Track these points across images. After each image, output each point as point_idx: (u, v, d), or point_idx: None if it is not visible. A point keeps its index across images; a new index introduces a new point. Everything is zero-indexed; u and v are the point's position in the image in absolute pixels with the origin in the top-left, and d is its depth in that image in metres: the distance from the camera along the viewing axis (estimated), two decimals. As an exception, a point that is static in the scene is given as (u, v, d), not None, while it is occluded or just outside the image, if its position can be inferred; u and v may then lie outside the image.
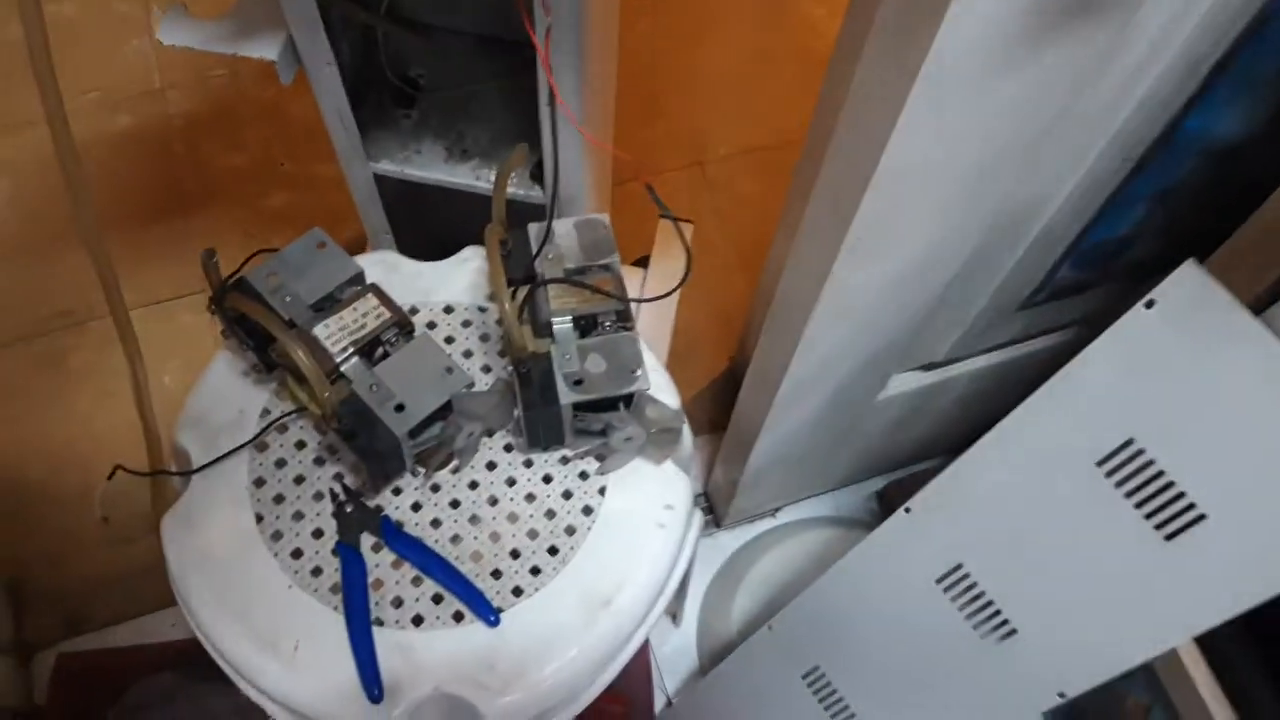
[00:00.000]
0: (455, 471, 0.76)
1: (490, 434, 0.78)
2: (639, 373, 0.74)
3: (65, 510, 1.29)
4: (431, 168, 0.91)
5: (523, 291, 0.77)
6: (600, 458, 0.77)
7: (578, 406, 0.73)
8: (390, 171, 0.91)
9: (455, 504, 0.75)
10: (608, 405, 0.73)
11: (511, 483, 0.77)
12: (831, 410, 1.04)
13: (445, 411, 0.72)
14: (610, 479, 0.78)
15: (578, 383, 0.73)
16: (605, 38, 0.84)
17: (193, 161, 1.63)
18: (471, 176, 0.91)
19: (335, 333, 0.72)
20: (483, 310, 0.85)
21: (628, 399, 0.73)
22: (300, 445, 0.77)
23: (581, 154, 0.83)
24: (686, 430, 0.80)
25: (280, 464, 0.76)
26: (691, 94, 1.73)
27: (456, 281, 0.86)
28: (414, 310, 0.84)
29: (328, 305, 0.74)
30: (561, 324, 0.76)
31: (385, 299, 0.74)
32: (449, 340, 0.83)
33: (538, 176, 0.91)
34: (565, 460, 0.78)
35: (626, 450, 0.76)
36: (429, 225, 0.98)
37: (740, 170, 1.67)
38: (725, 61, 1.77)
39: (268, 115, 1.67)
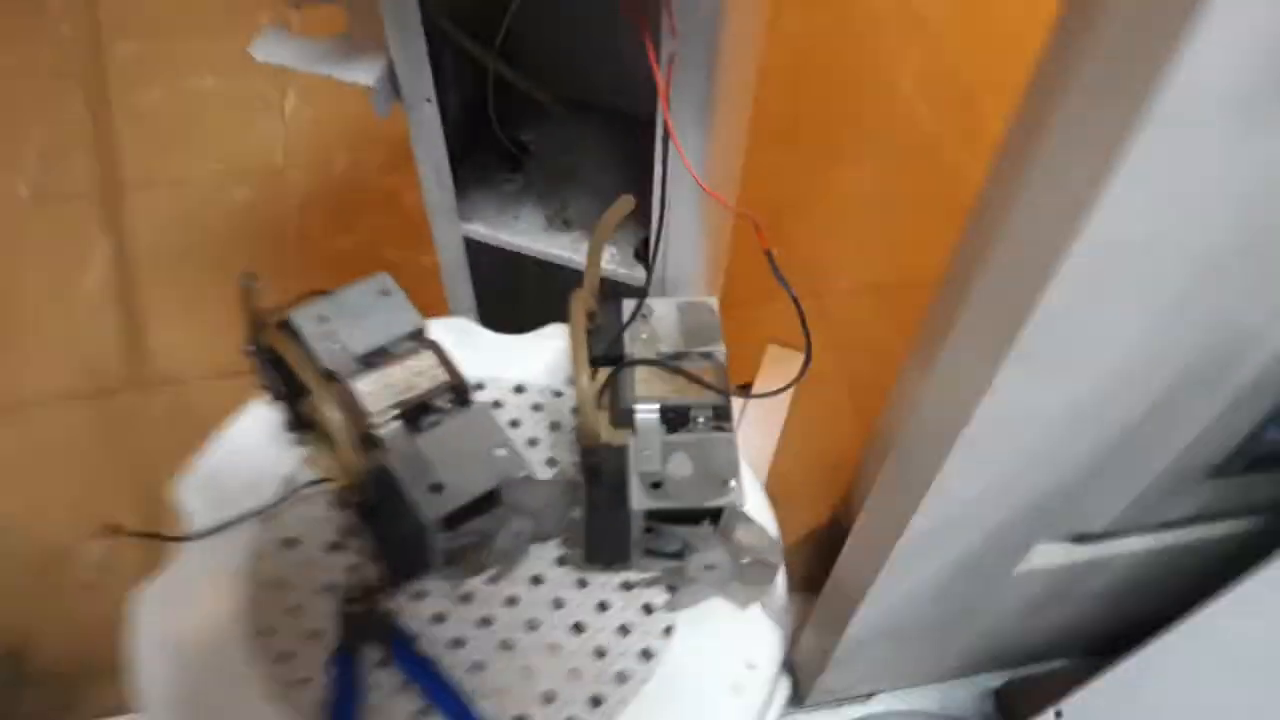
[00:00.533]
0: (494, 581, 0.62)
1: (542, 539, 0.64)
2: (733, 484, 0.59)
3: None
4: (530, 235, 0.81)
5: (605, 372, 0.64)
6: (672, 588, 0.62)
7: (652, 515, 0.58)
8: (484, 236, 0.81)
9: (486, 622, 0.61)
10: (689, 519, 0.58)
11: (558, 605, 0.62)
12: (955, 579, 0.86)
13: (491, 503, 0.59)
14: (681, 618, 0.62)
15: (656, 486, 0.59)
16: (741, 78, 0.74)
17: (299, 239, 1.60)
18: (571, 249, 0.81)
19: (379, 389, 0.60)
20: (559, 395, 0.72)
21: (715, 514, 0.58)
22: (318, 525, 0.64)
23: (695, 217, 0.71)
24: (782, 572, 0.65)
25: (290, 544, 0.63)
26: (813, 222, 1.64)
27: (535, 359, 0.74)
28: (480, 386, 0.72)
29: (379, 360, 0.63)
30: (646, 414, 0.63)
31: (445, 359, 0.62)
32: (514, 424, 0.70)
33: (642, 256, 0.79)
34: (629, 586, 0.63)
35: (706, 581, 0.61)
36: (519, 301, 0.87)
37: (860, 307, 1.54)
38: (855, 195, 1.67)
39: (384, 203, 1.64)
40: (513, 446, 0.60)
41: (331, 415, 0.56)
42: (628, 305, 0.69)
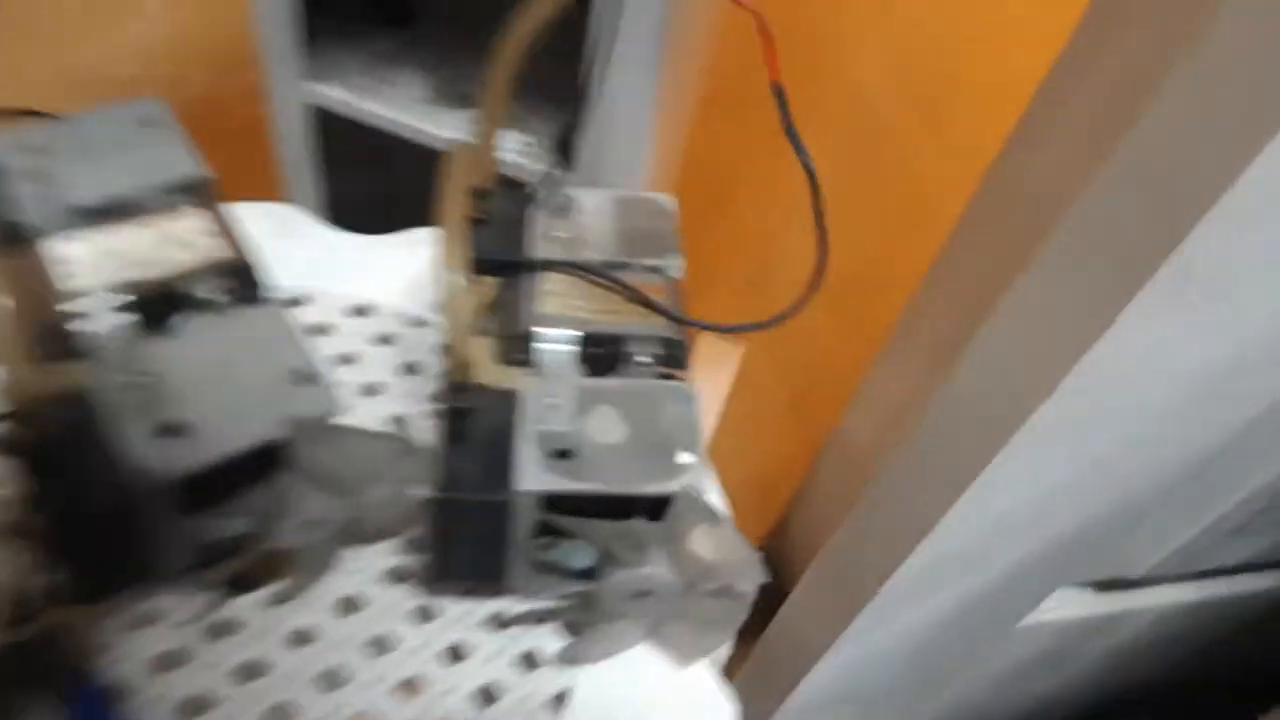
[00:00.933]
0: (276, 603, 0.37)
1: (363, 540, 0.39)
2: (689, 459, 0.36)
3: None
4: (408, 109, 0.57)
5: (497, 284, 0.41)
6: (573, 628, 0.38)
7: (552, 506, 0.34)
8: (340, 104, 0.57)
9: (251, 673, 0.36)
10: (614, 512, 0.34)
11: (381, 648, 0.38)
12: (945, 633, 0.65)
13: (273, 467, 0.34)
14: (584, 678, 0.38)
15: (562, 456, 0.35)
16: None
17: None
18: (466, 131, 0.56)
19: (98, 259, 0.35)
20: (422, 325, 0.48)
21: (657, 507, 0.34)
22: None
23: (647, 75, 0.48)
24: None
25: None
26: (761, 206, 1.43)
27: (392, 272, 0.49)
28: (296, 301, 0.47)
29: (116, 215, 0.37)
30: (556, 344, 0.39)
31: (226, 228, 0.37)
32: (345, 360, 0.46)
33: (567, 151, 0.56)
34: (502, 623, 0.39)
35: (632, 617, 0.37)
36: (392, 208, 0.62)
37: (808, 303, 1.34)
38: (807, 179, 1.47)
39: (243, 137, 1.37)
40: (321, 376, 0.35)
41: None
42: (538, 186, 0.46)
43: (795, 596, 0.70)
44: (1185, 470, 0.52)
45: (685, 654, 0.38)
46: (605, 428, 0.36)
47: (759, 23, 0.34)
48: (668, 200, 0.47)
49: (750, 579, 0.35)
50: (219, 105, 1.38)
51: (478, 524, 0.35)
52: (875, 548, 0.57)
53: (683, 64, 0.55)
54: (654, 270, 0.42)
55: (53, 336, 0.33)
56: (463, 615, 0.39)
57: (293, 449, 0.33)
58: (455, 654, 0.38)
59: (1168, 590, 0.69)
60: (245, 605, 0.37)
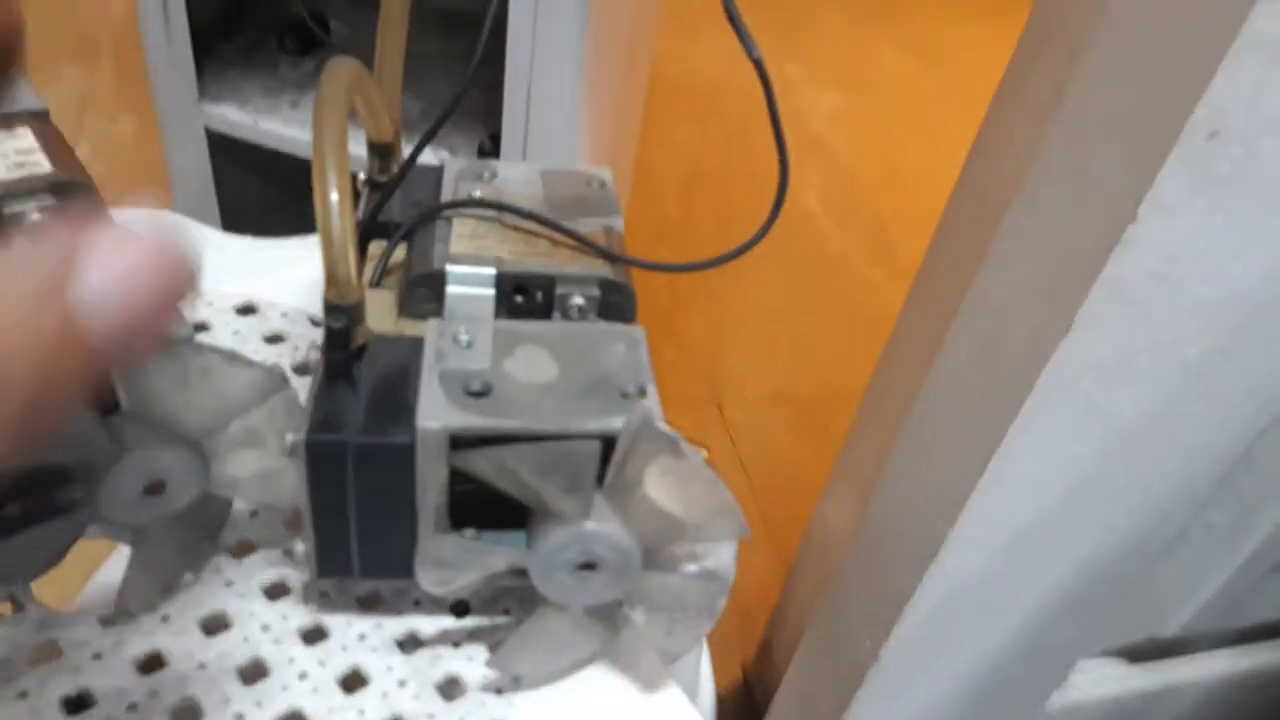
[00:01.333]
0: (115, 622, 0.28)
1: (219, 521, 0.30)
2: (644, 392, 0.28)
3: None
4: (308, 128, 0.51)
5: (399, 247, 0.34)
6: (491, 647, 0.29)
7: (462, 459, 0.26)
8: (234, 127, 0.51)
9: (77, 707, 0.26)
10: (548, 468, 0.26)
11: (245, 679, 0.28)
12: (965, 712, 0.55)
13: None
14: (519, 709, 0.29)
15: (477, 394, 0.27)
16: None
17: None
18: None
19: (-122, 163, 0.28)
20: (316, 325, 0.41)
21: (585, 469, 0.26)
22: None
23: (573, 59, 0.44)
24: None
25: None
26: (717, 328, 1.39)
27: (284, 271, 0.43)
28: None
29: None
30: (470, 285, 0.32)
31: (58, 147, 0.31)
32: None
33: (490, 154, 0.51)
34: (407, 645, 0.30)
35: (576, 623, 0.28)
36: (280, 213, 0.56)
37: (768, 419, 1.28)
38: (761, 303, 1.44)
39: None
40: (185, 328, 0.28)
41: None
42: (453, 166, 0.40)
43: (783, 692, 0.60)
44: (1209, 479, 0.45)
45: (667, 649, 0.29)
46: (531, 367, 0.29)
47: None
48: (604, 174, 0.41)
49: (730, 526, 0.27)
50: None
51: (367, 484, 0.27)
52: (866, 605, 0.48)
53: (607, 44, 0.51)
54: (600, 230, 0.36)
55: None
56: (362, 636, 0.30)
57: (134, 373, 0.25)
58: (346, 686, 0.29)
59: (1210, 660, 0.60)
60: (70, 623, 0.28)
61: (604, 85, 0.53)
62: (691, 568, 0.28)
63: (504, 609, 0.32)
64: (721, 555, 0.28)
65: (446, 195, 0.37)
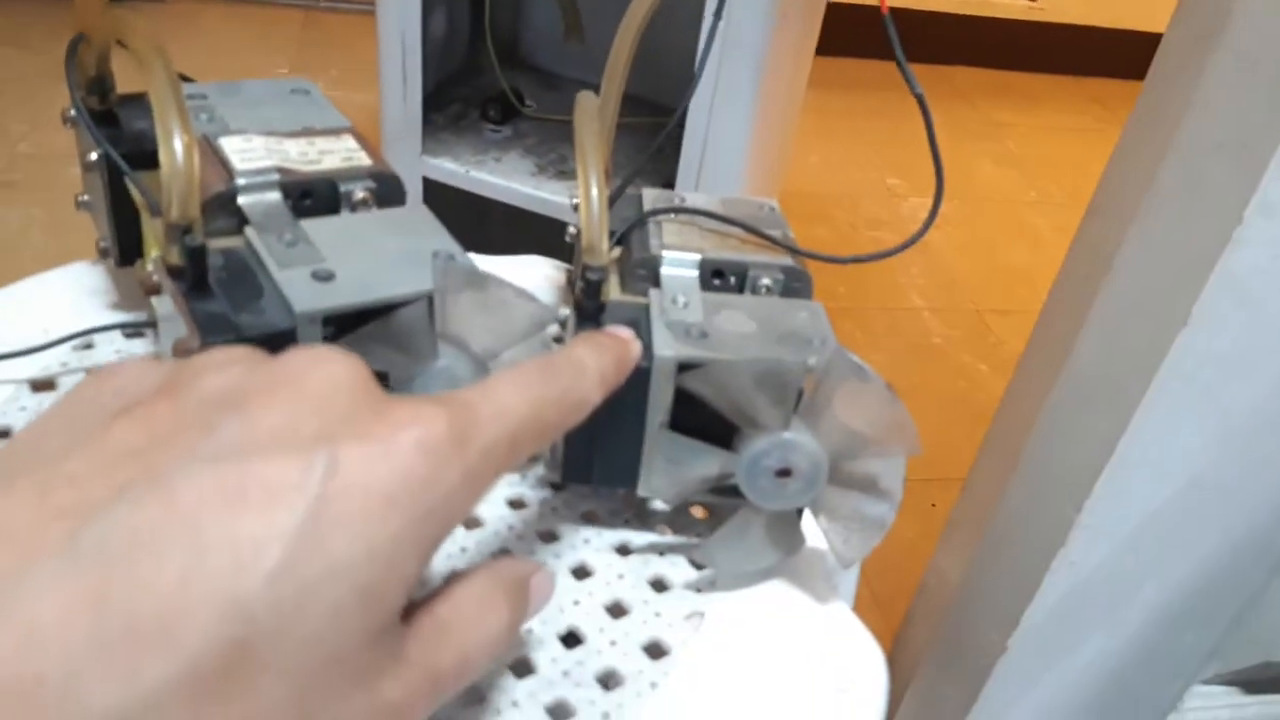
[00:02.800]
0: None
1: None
2: (825, 343, 0.35)
3: None
4: (512, 178, 0.61)
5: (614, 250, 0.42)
6: (699, 566, 0.36)
7: (688, 379, 0.33)
8: (451, 175, 0.62)
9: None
10: (750, 401, 0.33)
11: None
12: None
13: (417, 329, 0.34)
14: (715, 603, 0.35)
15: (698, 336, 0.35)
16: None
17: None
18: (565, 194, 0.61)
19: (258, 152, 0.37)
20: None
21: (787, 386, 0.33)
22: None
23: (749, 93, 0.52)
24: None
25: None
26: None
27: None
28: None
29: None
30: (678, 267, 0.40)
31: (370, 147, 0.40)
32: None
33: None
34: (625, 551, 0.37)
35: (776, 502, 0.35)
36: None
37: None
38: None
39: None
40: (464, 254, 0.36)
41: (178, 142, 0.32)
42: (649, 193, 0.49)
43: (910, 693, 0.64)
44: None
45: (845, 548, 0.35)
46: (735, 322, 0.37)
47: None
48: (772, 200, 0.49)
49: (904, 442, 0.33)
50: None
51: (615, 406, 0.34)
52: (994, 598, 0.53)
53: (763, 128, 0.59)
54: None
55: (224, 202, 0.35)
56: (585, 540, 0.37)
57: (438, 296, 0.33)
58: (579, 574, 0.36)
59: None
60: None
61: (760, 162, 0.62)
62: (868, 483, 0.34)
63: (697, 533, 0.38)
64: (893, 477, 0.34)
65: (647, 210, 0.45)
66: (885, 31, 0.40)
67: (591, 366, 0.28)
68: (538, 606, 0.26)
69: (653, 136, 0.65)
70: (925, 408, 1.47)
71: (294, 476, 0.19)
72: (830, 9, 0.91)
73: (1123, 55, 2.58)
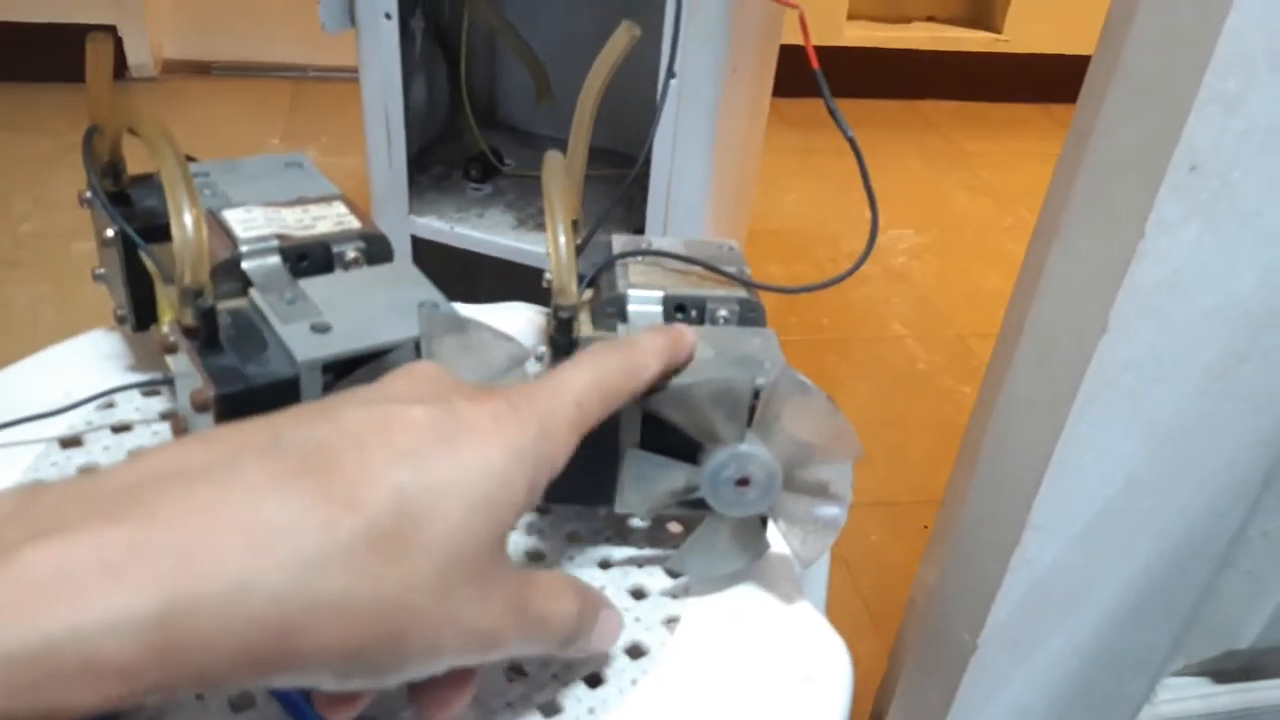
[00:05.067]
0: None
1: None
2: (775, 364, 0.39)
3: None
4: (495, 232, 0.66)
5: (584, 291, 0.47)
6: (672, 574, 0.39)
7: (652, 403, 0.37)
8: (437, 232, 0.66)
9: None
10: (709, 418, 0.37)
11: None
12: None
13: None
14: (691, 606, 0.39)
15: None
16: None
17: None
18: (544, 245, 0.65)
19: (258, 221, 0.42)
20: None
21: (740, 403, 0.37)
22: (137, 435, 0.42)
23: (706, 125, 0.57)
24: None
25: (90, 472, 0.41)
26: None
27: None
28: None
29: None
30: (643, 304, 0.44)
31: (359, 212, 0.44)
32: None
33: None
34: (605, 565, 0.40)
35: (735, 539, 0.38)
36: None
37: (868, 523, 1.34)
38: (853, 414, 1.52)
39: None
40: (448, 304, 0.40)
41: (184, 230, 0.36)
42: (618, 238, 0.53)
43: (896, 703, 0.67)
44: (1253, 482, 0.53)
45: (802, 549, 0.39)
46: (697, 351, 0.40)
47: (801, 17, 0.43)
48: (732, 240, 0.53)
49: (848, 449, 0.37)
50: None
51: (593, 431, 0.38)
52: (963, 600, 0.56)
53: (724, 172, 0.64)
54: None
55: (230, 268, 0.39)
56: (570, 558, 0.41)
57: (424, 341, 0.37)
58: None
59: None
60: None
61: (722, 204, 0.67)
62: (819, 488, 0.38)
63: (672, 546, 0.42)
64: (842, 482, 0.38)
65: (615, 254, 0.50)
66: (816, 82, 0.44)
67: (644, 342, 0.35)
68: (604, 638, 0.33)
69: (617, 184, 0.70)
70: (913, 433, 1.50)
71: (422, 414, 0.26)
72: (798, 52, 0.97)
73: (1088, 81, 2.65)
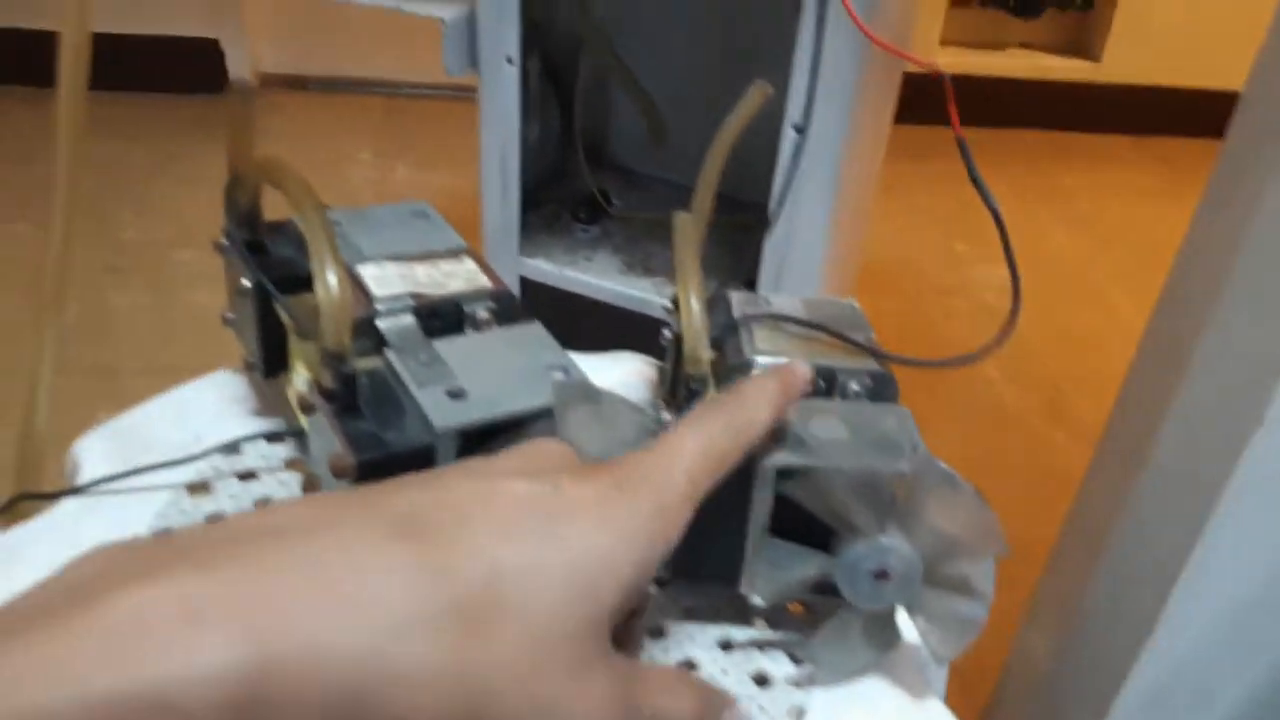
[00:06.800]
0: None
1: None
2: (916, 448, 0.38)
3: None
4: (604, 276, 0.65)
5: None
6: (795, 660, 0.38)
7: (786, 483, 0.36)
8: (546, 275, 0.66)
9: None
10: (847, 506, 0.36)
11: (619, 653, 0.38)
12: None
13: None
14: (817, 698, 0.37)
15: (795, 444, 0.38)
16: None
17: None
18: (653, 291, 0.64)
19: (392, 278, 0.42)
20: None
21: (881, 492, 0.36)
22: (265, 504, 0.42)
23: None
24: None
25: (216, 520, 0.41)
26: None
27: (606, 377, 0.55)
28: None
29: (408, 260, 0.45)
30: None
31: (489, 270, 0.44)
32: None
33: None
34: (726, 646, 0.39)
35: (866, 635, 0.37)
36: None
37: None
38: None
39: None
40: (577, 369, 0.40)
41: (327, 287, 0.36)
42: (736, 296, 0.52)
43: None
44: None
45: (940, 646, 0.37)
46: (829, 427, 0.39)
47: (946, 83, 0.42)
48: (852, 300, 0.52)
49: (994, 545, 0.35)
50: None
51: (718, 502, 0.37)
52: (1082, 686, 0.54)
53: (858, 184, 0.63)
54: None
55: (365, 326, 0.39)
56: (690, 636, 0.40)
57: (557, 410, 0.37)
58: (686, 669, 0.38)
59: None
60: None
61: (838, 255, 0.65)
62: (960, 584, 0.36)
63: (794, 628, 0.41)
64: (984, 578, 0.36)
65: (737, 315, 0.49)
66: (960, 149, 0.43)
67: (753, 394, 0.33)
68: None
69: (732, 230, 0.69)
70: (1002, 477, 1.46)
71: (525, 490, 0.26)
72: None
73: (1189, 114, 2.57)
